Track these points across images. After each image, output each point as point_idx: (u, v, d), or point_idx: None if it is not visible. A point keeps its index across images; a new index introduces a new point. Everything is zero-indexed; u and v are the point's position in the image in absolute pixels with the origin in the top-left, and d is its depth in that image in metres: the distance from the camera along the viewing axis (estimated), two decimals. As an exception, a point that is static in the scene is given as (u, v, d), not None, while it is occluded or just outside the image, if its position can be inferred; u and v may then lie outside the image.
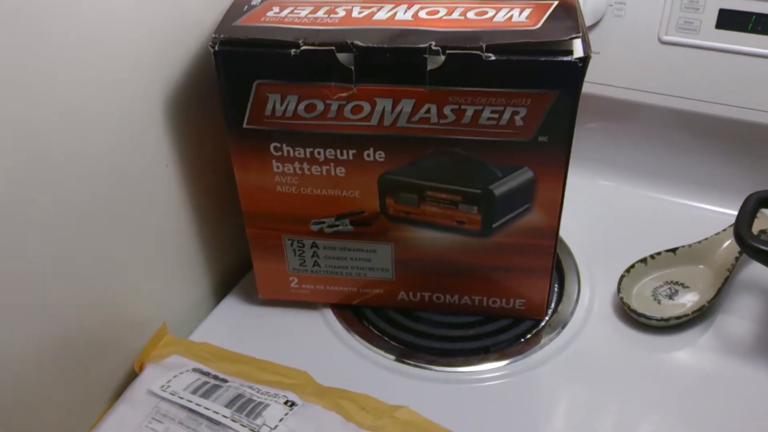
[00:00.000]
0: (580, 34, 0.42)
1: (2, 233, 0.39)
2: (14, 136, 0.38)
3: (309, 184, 0.50)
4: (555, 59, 0.42)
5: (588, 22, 0.58)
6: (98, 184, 0.45)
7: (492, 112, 0.44)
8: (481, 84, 0.43)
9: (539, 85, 0.43)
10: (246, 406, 0.43)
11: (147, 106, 0.48)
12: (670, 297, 0.56)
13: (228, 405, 0.43)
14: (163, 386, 0.44)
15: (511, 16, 0.44)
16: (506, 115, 0.44)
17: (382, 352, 0.54)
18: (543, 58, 0.42)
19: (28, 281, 0.42)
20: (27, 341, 0.43)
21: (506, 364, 0.53)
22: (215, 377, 0.46)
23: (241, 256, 0.62)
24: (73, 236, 0.44)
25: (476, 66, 0.42)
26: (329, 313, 0.58)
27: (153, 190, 0.51)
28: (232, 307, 0.59)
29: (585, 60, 0.41)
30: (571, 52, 0.42)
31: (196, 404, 0.43)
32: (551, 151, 0.45)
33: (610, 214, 0.66)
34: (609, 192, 0.68)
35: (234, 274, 0.62)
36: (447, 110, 0.45)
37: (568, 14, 0.44)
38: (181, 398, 0.43)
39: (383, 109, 0.45)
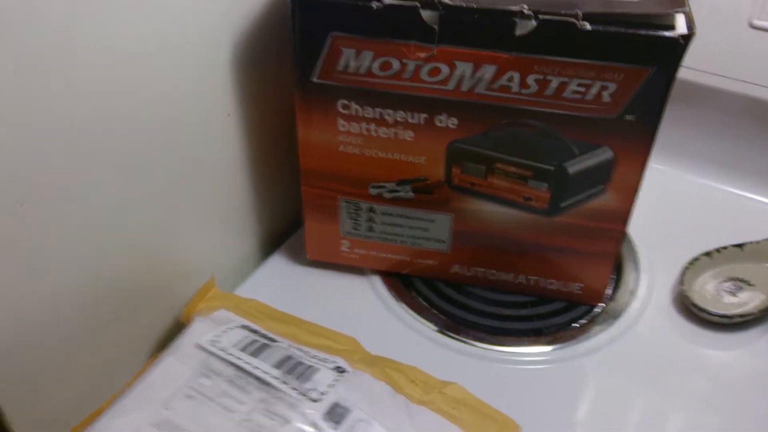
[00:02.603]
0: (685, 9, 0.39)
1: (57, 168, 0.38)
2: (73, 74, 0.37)
3: (374, 146, 0.48)
4: (656, 33, 0.39)
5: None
6: (156, 125, 0.44)
7: (579, 85, 0.42)
8: (571, 54, 0.41)
9: (635, 60, 0.40)
10: (295, 369, 0.42)
11: (215, 49, 0.47)
12: (734, 294, 0.54)
13: (277, 366, 0.42)
14: (212, 341, 0.43)
15: (610, -15, 0.41)
16: (593, 90, 0.42)
17: (429, 324, 0.53)
18: (643, 32, 0.39)
19: (80, 225, 0.41)
20: (78, 279, 0.42)
21: (555, 349, 0.51)
22: (264, 336, 0.45)
23: (291, 213, 0.61)
24: (126, 176, 0.43)
25: (569, 35, 0.40)
26: (377, 280, 0.56)
27: (210, 139, 0.49)
28: (278, 265, 0.58)
29: (688, 37, 0.39)
30: (672, 27, 0.39)
31: (246, 362, 0.42)
32: (637, 132, 0.43)
33: (676, 203, 0.63)
34: (675, 180, 0.66)
35: (282, 231, 0.61)
36: (530, 80, 0.42)
37: (670, -13, 0.41)
38: (230, 355, 0.42)
39: (462, 74, 0.43)
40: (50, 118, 0.36)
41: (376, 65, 0.44)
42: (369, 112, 0.46)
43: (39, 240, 0.38)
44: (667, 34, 0.39)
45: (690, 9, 0.40)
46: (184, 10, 0.43)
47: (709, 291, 0.54)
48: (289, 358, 0.43)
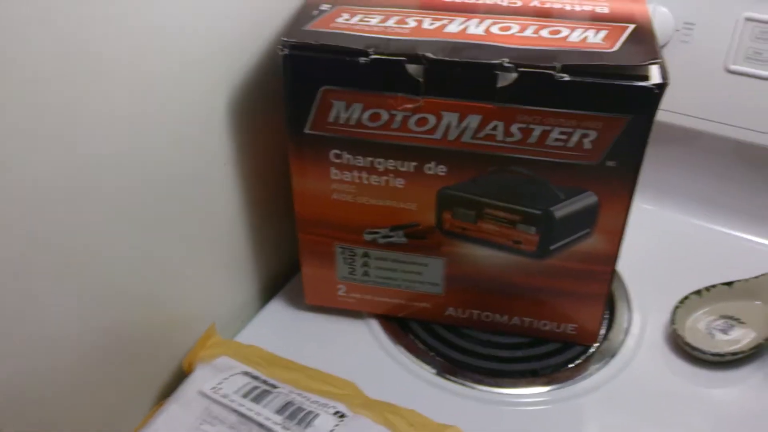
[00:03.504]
0: (659, 60, 0.41)
1: (56, 228, 0.39)
2: (72, 126, 0.39)
3: (366, 193, 0.50)
4: (631, 84, 0.41)
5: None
6: (156, 178, 0.46)
7: (560, 133, 0.43)
8: (551, 104, 0.43)
9: (612, 109, 0.42)
10: (297, 414, 0.43)
11: (211, 104, 0.48)
12: (725, 332, 0.55)
13: (279, 412, 0.43)
14: (214, 388, 0.44)
15: (586, 37, 0.43)
16: (575, 138, 0.43)
17: (427, 367, 0.54)
18: (618, 82, 0.41)
19: (80, 275, 0.42)
20: (81, 332, 0.43)
21: (553, 389, 0.52)
22: (265, 382, 0.46)
23: (289, 259, 0.62)
24: (127, 228, 0.44)
25: (548, 86, 0.42)
26: (375, 324, 0.57)
27: (208, 188, 0.51)
28: (277, 310, 0.59)
29: (662, 86, 0.41)
30: (647, 78, 0.41)
31: (248, 409, 0.43)
32: (618, 177, 0.44)
33: (664, 242, 0.65)
34: (664, 219, 0.67)
35: (281, 276, 0.62)
36: (514, 128, 0.44)
37: (645, 38, 0.43)
38: (233, 401, 0.43)
39: (449, 123, 0.45)
40: (52, 174, 0.38)
41: (365, 116, 0.46)
42: (360, 161, 0.48)
43: (39, 291, 0.39)
44: (642, 84, 0.40)
45: (664, 60, 0.42)
46: (180, 67, 0.45)
47: (700, 329, 0.55)
48: (290, 403, 0.44)
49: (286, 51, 0.44)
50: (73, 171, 0.39)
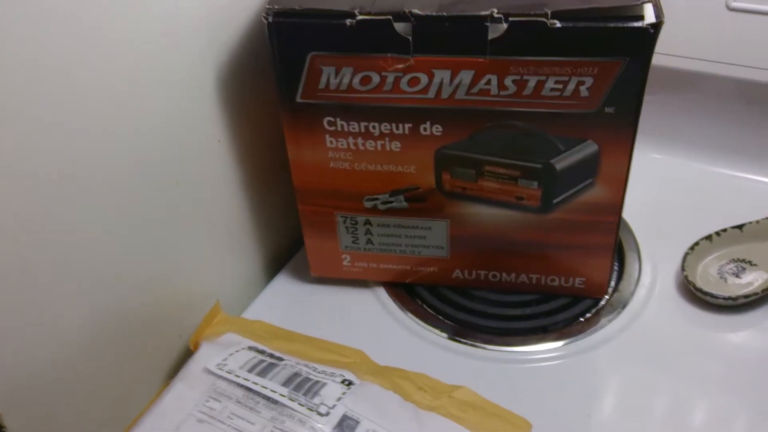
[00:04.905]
0: (653, -1, 0.39)
1: (56, 212, 0.39)
2: (66, 108, 0.38)
3: (363, 159, 0.49)
4: (624, 25, 0.39)
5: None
6: (150, 159, 0.45)
7: (556, 82, 0.42)
8: (544, 53, 0.41)
9: (607, 53, 0.41)
10: (303, 385, 0.43)
11: (199, 80, 0.48)
12: (737, 275, 0.54)
13: (285, 384, 0.42)
14: (219, 364, 0.44)
15: (577, -19, 0.42)
16: (571, 86, 0.42)
17: (436, 331, 0.53)
18: (612, 24, 0.40)
19: (83, 258, 0.42)
20: (84, 318, 0.43)
21: (564, 344, 0.51)
22: (271, 355, 0.45)
23: (292, 232, 0.61)
24: (126, 213, 0.44)
25: (540, 34, 0.40)
26: (382, 292, 0.57)
27: (205, 166, 0.50)
28: (284, 284, 0.59)
29: (657, 26, 0.39)
30: (641, 18, 0.39)
31: (253, 383, 0.42)
32: (618, 123, 0.43)
33: (671, 189, 0.64)
34: (669, 166, 0.66)
35: (286, 251, 0.62)
36: (508, 81, 0.43)
37: (637, -22, 0.41)
38: (238, 376, 0.43)
39: (441, 81, 0.44)
40: (45, 162, 0.37)
41: (356, 80, 0.45)
42: (355, 126, 0.47)
43: (38, 279, 0.39)
44: (636, 24, 0.39)
45: (659, -2, 0.40)
46: (164, 45, 0.44)
47: (712, 274, 0.54)
48: (296, 375, 0.44)
49: (271, 18, 0.43)
50: (66, 160, 0.39)
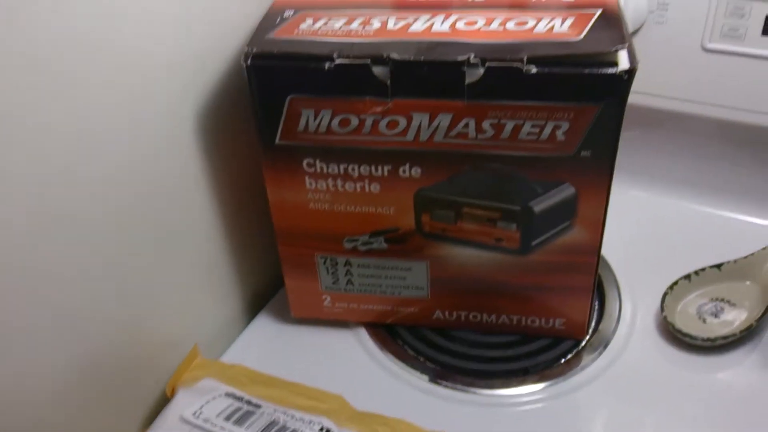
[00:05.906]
0: (626, 45, 0.40)
1: (28, 252, 0.38)
2: (41, 149, 0.38)
3: (342, 200, 0.49)
4: (599, 71, 0.40)
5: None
6: (127, 199, 0.45)
7: (532, 126, 0.43)
8: (521, 97, 0.42)
9: (582, 98, 0.41)
10: (280, 433, 0.42)
11: (178, 121, 0.47)
12: (716, 315, 0.54)
13: (261, 432, 0.42)
14: (195, 413, 0.43)
15: (553, 27, 0.43)
16: (547, 130, 0.43)
17: (417, 373, 0.53)
18: (587, 71, 0.40)
19: (55, 301, 0.41)
20: (54, 365, 0.42)
21: (546, 387, 0.51)
22: (248, 402, 0.45)
23: (272, 273, 0.61)
24: (102, 254, 0.43)
25: (517, 79, 0.41)
26: (363, 332, 0.56)
27: (183, 207, 0.50)
28: (264, 326, 0.58)
29: (631, 72, 0.40)
30: (615, 64, 0.40)
31: None
32: (594, 167, 0.44)
33: (650, 227, 0.64)
34: (648, 204, 0.66)
35: (266, 291, 0.61)
36: (486, 125, 0.43)
37: (612, 24, 0.42)
38: (214, 425, 0.42)
39: (419, 124, 0.44)
40: (19, 198, 0.37)
41: (335, 123, 0.45)
42: (334, 168, 0.47)
43: (13, 322, 0.38)
44: (610, 71, 0.40)
45: (632, 44, 0.41)
46: (142, 86, 0.44)
47: (691, 314, 0.54)
48: (273, 422, 0.43)
49: (250, 61, 0.44)
50: (39, 201, 0.38)
